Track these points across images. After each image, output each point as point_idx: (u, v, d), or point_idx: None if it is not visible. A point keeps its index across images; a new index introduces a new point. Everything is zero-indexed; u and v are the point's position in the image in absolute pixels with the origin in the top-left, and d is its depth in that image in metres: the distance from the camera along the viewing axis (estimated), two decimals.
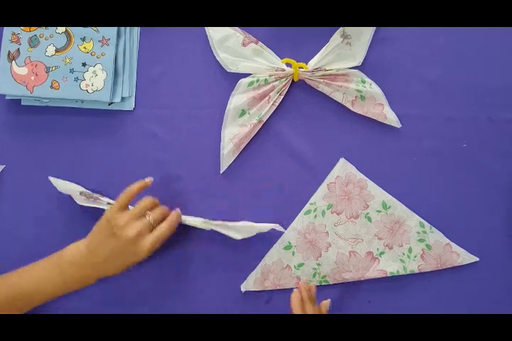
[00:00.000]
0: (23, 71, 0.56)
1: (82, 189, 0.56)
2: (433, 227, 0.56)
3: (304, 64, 0.55)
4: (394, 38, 0.58)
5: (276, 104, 0.57)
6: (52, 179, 0.57)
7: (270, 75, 0.56)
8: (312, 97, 0.57)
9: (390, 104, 0.57)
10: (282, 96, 0.57)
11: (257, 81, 0.56)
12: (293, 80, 0.56)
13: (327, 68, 0.56)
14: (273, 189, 0.58)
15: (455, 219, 0.57)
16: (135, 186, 0.52)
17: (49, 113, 0.58)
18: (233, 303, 0.57)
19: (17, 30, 0.56)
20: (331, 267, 0.56)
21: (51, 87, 0.56)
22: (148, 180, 0.54)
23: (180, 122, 0.58)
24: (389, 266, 0.56)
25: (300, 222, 0.57)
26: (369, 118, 0.57)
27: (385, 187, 0.57)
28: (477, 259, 0.56)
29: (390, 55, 0.58)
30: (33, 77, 0.56)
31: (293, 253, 0.57)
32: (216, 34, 0.57)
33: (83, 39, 0.56)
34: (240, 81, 0.57)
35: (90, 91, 0.56)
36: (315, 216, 0.57)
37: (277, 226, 0.54)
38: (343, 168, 0.57)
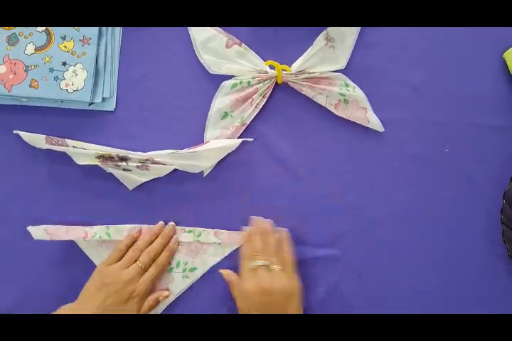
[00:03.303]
0: (1, 69, 0.55)
1: (44, 136, 0.56)
2: None
3: (288, 66, 0.55)
4: (378, 42, 0.58)
5: (260, 107, 0.56)
6: (19, 132, 0.56)
7: (253, 77, 0.55)
8: (295, 100, 0.57)
9: (373, 108, 0.57)
10: (265, 99, 0.56)
11: (240, 83, 0.55)
12: (276, 83, 0.56)
13: (310, 71, 0.55)
14: (255, 192, 0.57)
15: (437, 223, 0.57)
16: (124, 243, 0.55)
17: (27, 112, 0.57)
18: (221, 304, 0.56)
19: None
20: None
21: (30, 86, 0.55)
22: (136, 232, 0.55)
23: (162, 124, 0.57)
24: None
25: None
26: (352, 122, 0.57)
27: (367, 191, 0.57)
28: None
29: (373, 59, 0.58)
30: (11, 76, 0.55)
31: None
32: (199, 35, 0.56)
33: (64, 38, 0.55)
34: (223, 83, 0.56)
35: (70, 90, 0.55)
36: None
37: (246, 139, 0.56)
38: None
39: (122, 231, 0.56)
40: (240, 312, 0.51)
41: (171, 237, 0.56)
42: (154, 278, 0.54)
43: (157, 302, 0.54)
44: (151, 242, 0.55)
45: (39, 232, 0.54)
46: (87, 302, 0.51)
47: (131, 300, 0.51)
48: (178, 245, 0.56)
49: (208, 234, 0.56)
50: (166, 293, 0.55)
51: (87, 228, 0.55)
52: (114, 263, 0.53)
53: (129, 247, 0.55)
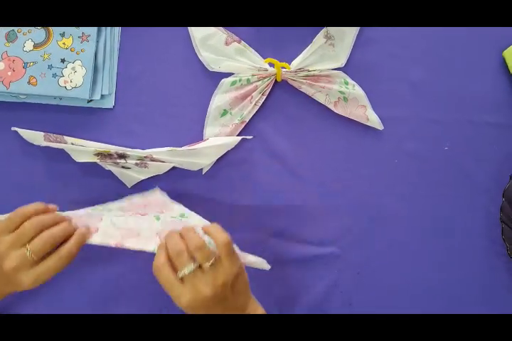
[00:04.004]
0: None
1: (43, 133, 0.55)
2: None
3: (287, 64, 0.55)
4: (377, 40, 0.58)
5: (259, 104, 0.56)
6: (17, 129, 0.55)
7: (253, 75, 0.55)
8: (295, 98, 0.57)
9: (372, 106, 0.57)
10: (265, 97, 0.56)
11: (240, 80, 0.55)
12: (276, 80, 0.56)
13: (310, 69, 0.55)
14: (254, 190, 0.57)
15: (435, 221, 0.57)
16: (31, 207, 0.44)
17: (26, 109, 0.57)
18: None
19: None
20: None
21: (28, 82, 0.54)
22: (52, 207, 0.46)
23: (161, 121, 0.57)
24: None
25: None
26: (351, 119, 0.57)
27: (366, 189, 0.57)
28: None
29: (373, 57, 0.58)
30: (9, 73, 0.54)
31: None
32: (198, 33, 0.56)
33: (62, 35, 0.55)
34: (222, 80, 0.56)
35: (69, 87, 0.55)
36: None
37: (246, 137, 0.55)
38: (154, 195, 0.55)
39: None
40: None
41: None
42: (52, 272, 0.43)
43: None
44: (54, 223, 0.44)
45: None
46: None
47: (20, 287, 0.42)
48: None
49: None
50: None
51: None
52: (11, 229, 0.43)
53: (34, 215, 0.44)
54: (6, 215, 0.46)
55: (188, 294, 0.41)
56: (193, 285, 0.41)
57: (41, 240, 0.42)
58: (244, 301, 0.46)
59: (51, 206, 0.46)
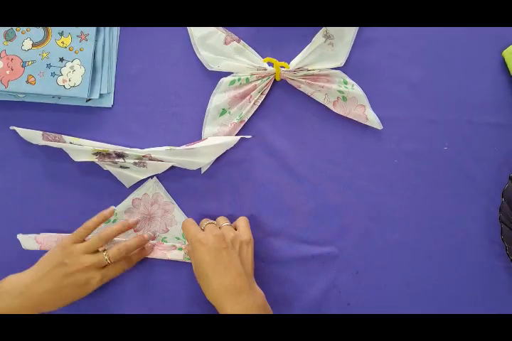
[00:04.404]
0: None
1: (41, 132, 0.55)
2: None
3: (286, 63, 0.55)
4: (377, 40, 0.58)
5: (258, 104, 0.56)
6: (15, 128, 0.55)
7: (252, 74, 0.55)
8: (294, 97, 0.57)
9: (372, 106, 0.57)
10: (264, 96, 0.56)
11: (239, 80, 0.55)
12: (275, 80, 0.56)
13: (309, 68, 0.55)
14: (253, 189, 0.57)
15: (435, 221, 0.57)
16: (94, 220, 0.53)
17: (24, 108, 0.57)
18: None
19: None
20: None
21: (27, 81, 0.54)
22: (108, 212, 0.54)
23: (160, 120, 0.57)
24: None
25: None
26: (350, 119, 0.56)
27: (365, 188, 0.57)
28: None
29: (372, 57, 0.58)
30: (8, 71, 0.54)
31: None
32: (197, 32, 0.56)
33: (61, 33, 0.55)
34: (221, 80, 0.56)
35: (67, 86, 0.55)
36: None
37: (245, 136, 0.55)
38: (152, 187, 0.56)
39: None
40: (193, 269, 0.50)
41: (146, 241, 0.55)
42: (119, 273, 0.53)
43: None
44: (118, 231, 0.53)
45: (29, 242, 0.55)
46: (42, 280, 0.49)
47: (87, 286, 0.50)
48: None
49: None
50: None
51: None
52: (80, 241, 0.52)
53: (97, 225, 0.53)
54: None
55: (204, 233, 0.50)
56: (209, 229, 0.50)
57: (119, 250, 0.52)
58: (250, 272, 0.50)
59: (108, 211, 0.55)
